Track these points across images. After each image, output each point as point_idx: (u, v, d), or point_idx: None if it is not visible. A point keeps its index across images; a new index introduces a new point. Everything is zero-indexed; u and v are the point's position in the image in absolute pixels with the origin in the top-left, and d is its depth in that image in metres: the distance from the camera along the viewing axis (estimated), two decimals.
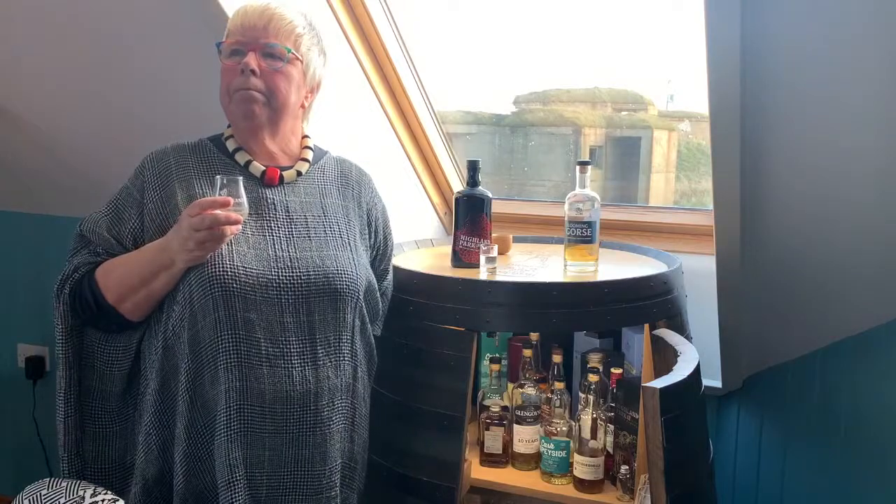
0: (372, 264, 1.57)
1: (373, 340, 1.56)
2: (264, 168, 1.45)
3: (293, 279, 1.40)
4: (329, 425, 1.42)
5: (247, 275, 1.36)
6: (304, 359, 1.40)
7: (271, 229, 1.43)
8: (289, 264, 1.40)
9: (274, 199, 1.45)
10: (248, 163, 1.45)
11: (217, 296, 1.34)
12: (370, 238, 1.58)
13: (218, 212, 1.29)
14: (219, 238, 1.31)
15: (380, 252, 1.61)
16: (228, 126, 1.50)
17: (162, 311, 1.41)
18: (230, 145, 1.48)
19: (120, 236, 1.43)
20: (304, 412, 1.39)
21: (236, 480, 1.34)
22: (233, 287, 1.34)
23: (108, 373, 1.45)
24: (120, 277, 1.39)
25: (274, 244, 1.42)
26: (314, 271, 1.42)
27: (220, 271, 1.34)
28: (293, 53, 1.43)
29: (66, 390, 1.43)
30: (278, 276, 1.38)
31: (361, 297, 1.49)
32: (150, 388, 1.41)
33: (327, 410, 1.42)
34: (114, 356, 1.45)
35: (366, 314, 1.52)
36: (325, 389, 1.42)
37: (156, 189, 1.42)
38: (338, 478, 1.45)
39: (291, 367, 1.38)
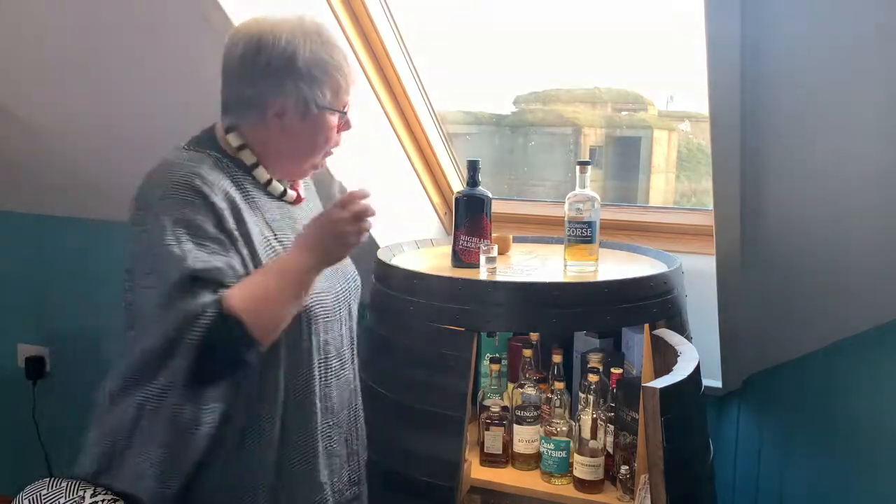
0: None
1: None
2: (283, 188, 1.39)
3: (343, 292, 1.43)
4: (360, 422, 1.51)
5: (322, 299, 1.36)
6: (353, 365, 1.47)
7: None
8: (336, 277, 1.42)
9: (299, 216, 1.43)
10: (283, 192, 1.40)
11: (310, 323, 1.34)
12: None
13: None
14: (367, 229, 1.29)
15: None
16: (242, 147, 1.36)
17: None
18: (262, 175, 1.37)
19: (233, 264, 1.26)
20: (350, 413, 1.47)
21: (325, 499, 1.38)
22: (317, 312, 1.35)
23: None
24: (269, 308, 1.25)
25: None
26: (351, 280, 1.47)
27: (308, 302, 1.32)
28: None
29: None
30: (335, 290, 1.41)
31: None
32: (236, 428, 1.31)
33: (358, 409, 1.50)
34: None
35: None
36: (356, 390, 1.50)
37: (227, 207, 1.29)
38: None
39: (347, 375, 1.45)
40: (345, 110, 1.36)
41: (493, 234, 1.84)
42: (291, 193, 1.41)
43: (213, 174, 1.29)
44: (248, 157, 1.36)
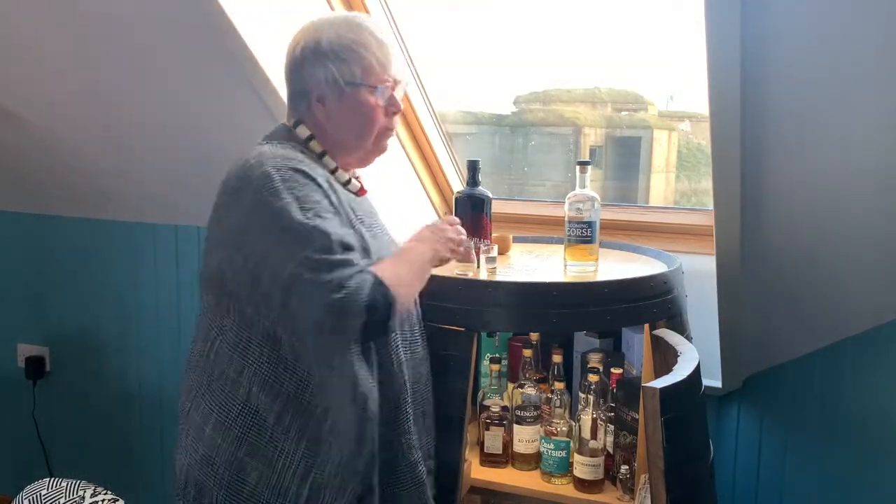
0: None
1: None
2: (360, 184, 1.50)
3: None
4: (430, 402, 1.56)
5: None
6: (417, 346, 1.51)
7: (382, 233, 1.50)
8: None
9: (361, 209, 1.47)
10: (348, 181, 1.47)
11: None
12: None
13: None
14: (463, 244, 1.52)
15: None
16: (311, 138, 1.43)
17: None
18: (329, 163, 1.45)
19: (353, 246, 1.34)
20: (425, 389, 1.52)
21: (418, 461, 1.45)
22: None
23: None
24: (408, 278, 1.38)
25: (388, 246, 1.48)
26: None
27: None
28: None
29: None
30: None
31: None
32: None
33: (429, 385, 1.55)
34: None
35: None
36: (426, 374, 1.54)
37: (329, 192, 1.37)
38: None
39: (417, 351, 1.50)
40: (381, 86, 1.41)
41: (493, 234, 1.84)
42: (355, 183, 1.48)
43: (307, 161, 1.39)
44: (316, 147, 1.45)
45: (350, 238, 1.31)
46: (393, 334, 1.42)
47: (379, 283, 1.28)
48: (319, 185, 1.33)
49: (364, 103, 1.41)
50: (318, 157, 1.43)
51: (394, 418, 1.42)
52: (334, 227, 1.29)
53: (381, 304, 1.28)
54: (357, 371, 1.33)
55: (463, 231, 1.53)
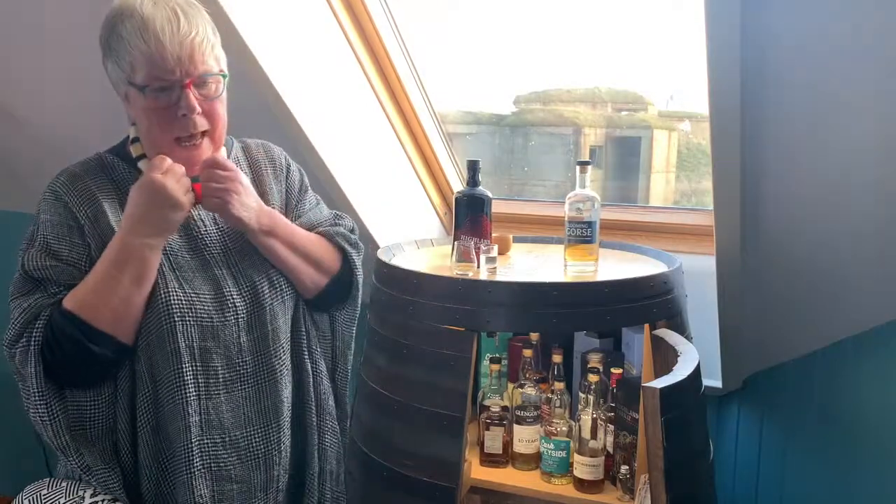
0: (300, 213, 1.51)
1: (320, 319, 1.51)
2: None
3: (243, 296, 1.34)
4: (307, 453, 1.43)
5: (201, 301, 1.30)
6: (259, 378, 1.36)
7: (207, 247, 1.36)
8: (235, 280, 1.35)
9: (200, 214, 1.37)
10: None
11: (176, 325, 1.27)
12: (292, 205, 1.51)
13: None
14: (188, 187, 1.27)
15: (296, 201, 1.52)
16: (134, 140, 1.36)
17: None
18: (144, 167, 1.34)
19: (74, 261, 1.29)
20: (267, 433, 1.36)
21: None
22: (189, 317, 1.28)
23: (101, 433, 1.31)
24: (106, 297, 1.23)
25: (216, 263, 1.35)
26: (260, 280, 1.37)
27: (174, 301, 1.27)
28: (221, 72, 1.32)
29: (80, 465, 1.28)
30: (231, 296, 1.33)
31: None
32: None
33: (294, 425, 1.41)
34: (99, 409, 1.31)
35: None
36: (284, 404, 1.39)
37: (84, 210, 1.30)
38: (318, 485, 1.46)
39: (248, 388, 1.34)
40: (151, 87, 1.26)
41: (493, 234, 1.84)
42: None
43: (85, 179, 1.33)
44: (135, 150, 1.37)
45: (49, 264, 1.24)
46: (175, 361, 1.28)
47: (60, 316, 1.22)
48: (68, 208, 1.28)
49: (140, 104, 1.28)
50: (133, 162, 1.35)
51: (176, 460, 1.31)
52: (31, 256, 1.26)
53: (65, 338, 1.21)
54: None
55: (176, 167, 1.26)
